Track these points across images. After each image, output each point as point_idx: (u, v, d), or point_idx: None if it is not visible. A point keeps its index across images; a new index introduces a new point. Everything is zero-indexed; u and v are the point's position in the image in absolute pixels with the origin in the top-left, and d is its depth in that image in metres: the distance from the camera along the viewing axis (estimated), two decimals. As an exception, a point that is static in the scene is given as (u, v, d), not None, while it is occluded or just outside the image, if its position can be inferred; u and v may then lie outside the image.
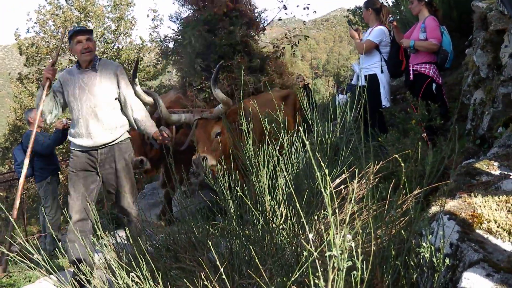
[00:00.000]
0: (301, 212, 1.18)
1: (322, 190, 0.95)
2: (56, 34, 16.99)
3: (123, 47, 18.24)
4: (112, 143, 4.02)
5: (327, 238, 1.18)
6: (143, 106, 4.31)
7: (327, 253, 1.19)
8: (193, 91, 6.59)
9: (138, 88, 4.49)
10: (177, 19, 7.76)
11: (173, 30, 7.86)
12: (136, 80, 4.52)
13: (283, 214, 2.24)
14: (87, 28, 4.11)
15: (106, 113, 3.97)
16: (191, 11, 7.55)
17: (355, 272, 1.38)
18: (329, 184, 1.10)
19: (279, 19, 7.87)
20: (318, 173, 0.95)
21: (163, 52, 8.30)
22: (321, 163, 1.10)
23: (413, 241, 1.81)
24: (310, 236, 1.25)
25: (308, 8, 8.59)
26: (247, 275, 2.22)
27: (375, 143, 3.76)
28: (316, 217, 2.20)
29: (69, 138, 4.08)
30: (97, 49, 17.57)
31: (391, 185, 1.98)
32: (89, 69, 4.02)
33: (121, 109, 4.18)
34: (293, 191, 1.57)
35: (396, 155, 1.53)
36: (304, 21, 9.36)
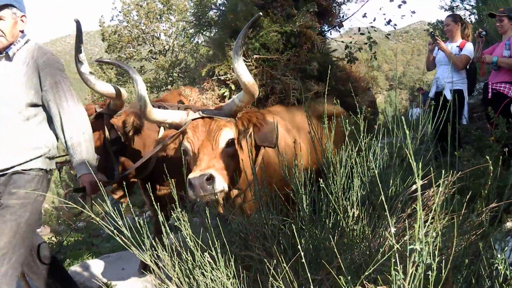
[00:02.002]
0: (385, 204, 1.26)
1: (416, 178, 1.03)
2: (139, 25, 17.75)
3: (202, 42, 18.80)
4: (11, 170, 2.70)
5: (411, 232, 1.26)
6: (84, 120, 2.85)
7: (409, 247, 1.27)
8: (212, 82, 4.51)
9: (85, 68, 3.03)
10: None
11: None
12: (82, 56, 2.98)
13: (355, 215, 2.31)
14: None
15: (11, 126, 2.69)
16: None
17: (429, 272, 1.45)
18: (420, 174, 1.17)
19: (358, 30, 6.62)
20: (413, 164, 1.03)
21: (196, 17, 5.83)
22: (413, 157, 1.18)
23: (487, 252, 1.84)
24: (393, 229, 1.33)
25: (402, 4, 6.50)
26: (315, 270, 2.31)
27: (450, 158, 3.72)
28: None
29: None
30: (176, 42, 18.18)
31: (467, 197, 2.01)
32: (2, 55, 2.75)
33: (50, 121, 2.88)
34: (371, 192, 1.64)
35: (482, 163, 1.57)
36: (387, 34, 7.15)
